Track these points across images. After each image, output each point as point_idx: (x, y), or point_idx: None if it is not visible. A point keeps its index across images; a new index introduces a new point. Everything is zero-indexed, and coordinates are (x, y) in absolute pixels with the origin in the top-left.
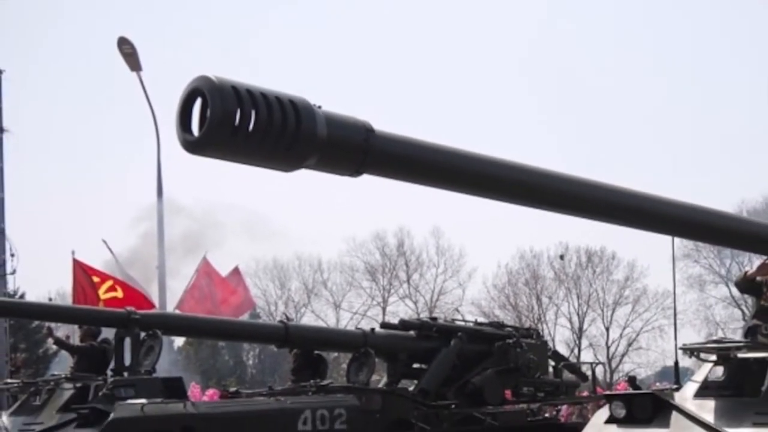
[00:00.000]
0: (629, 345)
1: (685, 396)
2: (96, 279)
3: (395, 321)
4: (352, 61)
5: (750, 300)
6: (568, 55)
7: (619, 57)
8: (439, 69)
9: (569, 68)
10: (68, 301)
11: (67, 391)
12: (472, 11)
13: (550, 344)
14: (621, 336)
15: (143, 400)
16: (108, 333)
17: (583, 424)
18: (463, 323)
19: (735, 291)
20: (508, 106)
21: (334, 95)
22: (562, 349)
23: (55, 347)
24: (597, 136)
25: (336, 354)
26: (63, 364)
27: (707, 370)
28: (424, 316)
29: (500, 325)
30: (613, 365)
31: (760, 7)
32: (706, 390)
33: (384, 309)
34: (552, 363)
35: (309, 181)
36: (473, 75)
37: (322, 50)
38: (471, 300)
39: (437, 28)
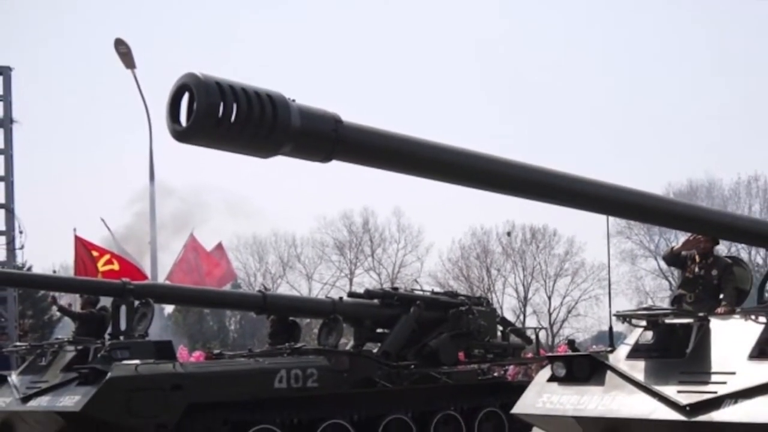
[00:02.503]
0: (569, 312)
1: (619, 357)
2: (95, 253)
3: (361, 291)
4: (324, 59)
5: (676, 272)
6: (516, 52)
7: (562, 55)
8: (401, 66)
9: (518, 64)
10: (70, 273)
11: (70, 353)
12: (431, 13)
13: (499, 311)
14: (561, 304)
15: (137, 361)
16: (106, 301)
17: (528, 383)
18: (421, 293)
19: (663, 264)
20: (462, 98)
21: (307, 90)
22: (509, 316)
23: (58, 314)
24: (541, 125)
25: (308, 320)
26: (66, 329)
27: (638, 334)
28: (387, 286)
29: (454, 295)
30: (555, 330)
31: (682, 10)
32: (637, 352)
33: (351, 280)
34: (500, 328)
35: (284, 166)
36: (432, 71)
37: (298, 50)
38: (428, 272)
39: (400, 29)
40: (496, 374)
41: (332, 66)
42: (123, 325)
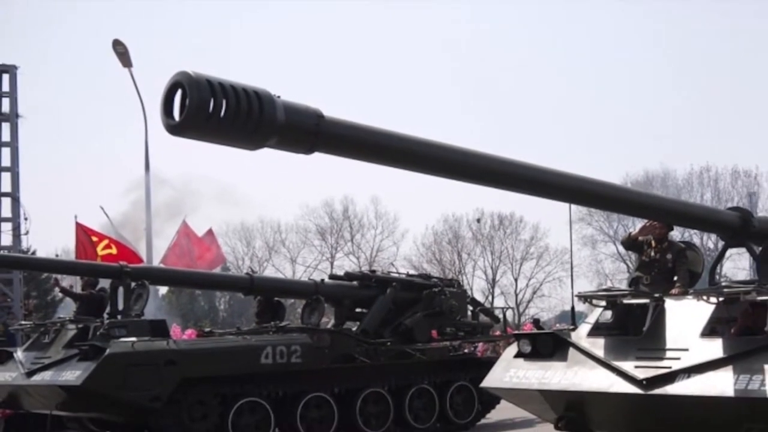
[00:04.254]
0: (534, 293)
1: (580, 335)
2: (95, 238)
3: (341, 273)
4: (308, 59)
5: (633, 256)
6: (486, 52)
7: (527, 54)
8: (379, 65)
9: (487, 63)
10: (72, 256)
11: (71, 331)
12: (406, 18)
13: (469, 292)
14: (527, 285)
15: (133, 339)
16: (104, 283)
17: (496, 359)
18: (397, 275)
19: (621, 248)
20: (435, 94)
21: (291, 87)
22: (479, 297)
23: (60, 295)
24: (508, 120)
25: (292, 300)
26: (67, 309)
27: (598, 313)
28: (365, 269)
29: (427, 277)
30: (521, 310)
31: (639, 13)
32: (597, 330)
33: (332, 263)
34: (470, 308)
35: (270, 157)
36: (407, 70)
37: (283, 51)
38: (403, 256)
39: (378, 32)
40: (466, 351)
41: (316, 65)
42: (120, 305)
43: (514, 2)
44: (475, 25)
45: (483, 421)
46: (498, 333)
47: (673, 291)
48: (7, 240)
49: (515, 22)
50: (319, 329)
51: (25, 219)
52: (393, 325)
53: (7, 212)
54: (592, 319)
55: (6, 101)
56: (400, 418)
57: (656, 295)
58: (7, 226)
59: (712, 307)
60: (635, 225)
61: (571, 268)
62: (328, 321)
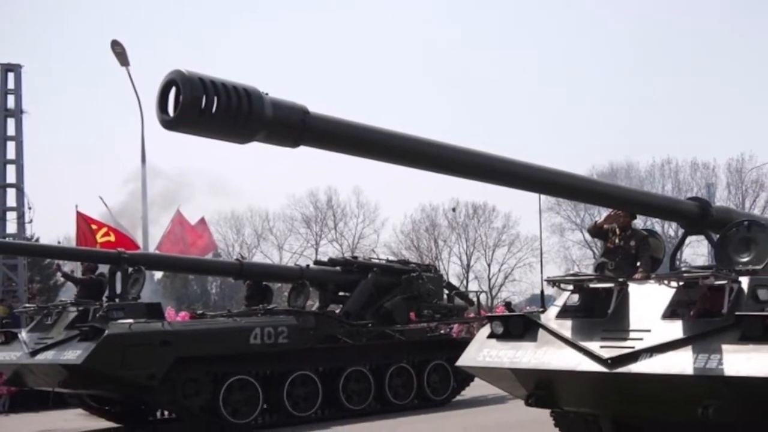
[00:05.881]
0: (506, 277)
1: (549, 317)
2: (94, 226)
3: (325, 259)
4: (293, 58)
5: (599, 243)
6: (462, 51)
7: (501, 53)
8: (362, 63)
9: (463, 61)
10: (73, 243)
11: (72, 313)
12: (388, 18)
13: (445, 277)
14: (499, 271)
15: (131, 320)
16: (103, 268)
17: (471, 339)
18: (377, 261)
19: (587, 236)
20: (414, 91)
21: (278, 84)
22: (454, 281)
23: (62, 279)
24: (483, 115)
25: (279, 284)
26: (69, 293)
27: (566, 297)
28: (348, 255)
29: (406, 263)
30: (494, 293)
31: (605, 15)
32: (565, 312)
33: (316, 250)
34: (446, 291)
35: (259, 151)
36: (389, 67)
37: (272, 50)
38: (384, 243)
39: (361, 32)
40: (442, 332)
41: (302, 63)
42: (118, 289)
43: (488, 2)
44: (452, 25)
45: (458, 397)
46: (472, 315)
47: (636, 276)
48: (12, 228)
49: (489, 22)
50: (305, 311)
51: (29, 208)
52: (374, 307)
53: (12, 202)
54: (560, 302)
55: (11, 98)
56: (380, 395)
57: (620, 279)
58: (12, 215)
59: (672, 291)
60: (601, 214)
61: (541, 254)
62: (313, 304)
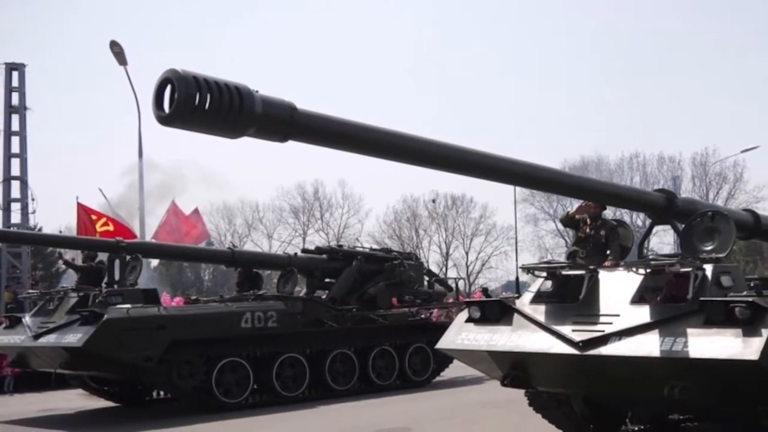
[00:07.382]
0: (483, 265)
1: (524, 302)
2: (94, 217)
3: (312, 248)
4: (285, 56)
5: (571, 232)
6: (443, 51)
7: (480, 52)
8: (348, 62)
9: (444, 61)
10: (73, 233)
11: (73, 298)
12: (373, 20)
13: (425, 264)
14: (477, 258)
15: (128, 305)
16: (103, 256)
17: (449, 323)
18: (361, 249)
19: (560, 226)
20: (397, 88)
21: (268, 82)
22: (434, 268)
23: (63, 267)
24: (463, 112)
25: (269, 272)
26: (70, 280)
27: (540, 283)
28: (333, 244)
29: (388, 251)
30: (471, 280)
31: (577, 15)
32: (539, 298)
33: (304, 239)
34: (426, 278)
35: (250, 145)
36: (374, 66)
37: (263, 49)
38: (367, 232)
39: (347, 33)
40: (423, 316)
41: (293, 62)
42: (117, 276)
43: (467, 7)
44: (434, 27)
45: (438, 378)
46: (451, 300)
47: (606, 263)
48: (16, 218)
49: (468, 23)
50: (293, 297)
51: (33, 200)
52: (358, 293)
53: (16, 193)
54: (534, 288)
55: (15, 95)
56: (364, 375)
57: (591, 267)
58: (17, 206)
59: (640, 278)
60: (573, 205)
61: (516, 243)
62: (301, 290)
